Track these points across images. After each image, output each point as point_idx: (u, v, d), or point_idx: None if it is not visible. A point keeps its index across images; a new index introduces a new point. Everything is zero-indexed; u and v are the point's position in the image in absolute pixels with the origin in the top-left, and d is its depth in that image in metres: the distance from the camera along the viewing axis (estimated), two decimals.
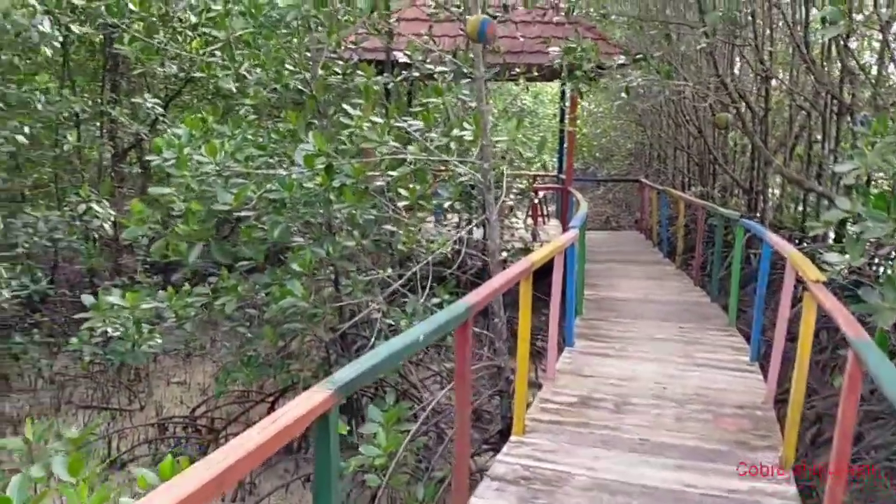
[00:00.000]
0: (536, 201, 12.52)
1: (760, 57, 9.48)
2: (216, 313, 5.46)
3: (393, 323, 5.68)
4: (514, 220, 11.18)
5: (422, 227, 6.00)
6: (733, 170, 14.46)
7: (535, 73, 8.89)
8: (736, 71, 11.80)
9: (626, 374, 5.54)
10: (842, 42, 7.83)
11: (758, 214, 12.64)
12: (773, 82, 11.00)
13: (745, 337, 6.86)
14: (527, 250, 11.08)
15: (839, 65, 9.06)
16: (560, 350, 6.11)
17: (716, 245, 8.24)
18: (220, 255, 5.17)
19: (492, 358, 6.16)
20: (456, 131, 5.93)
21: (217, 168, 4.86)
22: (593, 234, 14.33)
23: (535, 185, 14.10)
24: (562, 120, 14.78)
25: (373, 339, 5.66)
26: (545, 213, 14.63)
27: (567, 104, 12.29)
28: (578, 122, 27.28)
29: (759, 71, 11.08)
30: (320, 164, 4.99)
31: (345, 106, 5.71)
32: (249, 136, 5.51)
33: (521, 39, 10.02)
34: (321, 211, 5.22)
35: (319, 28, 5.65)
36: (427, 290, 5.71)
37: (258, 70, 5.62)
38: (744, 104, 8.72)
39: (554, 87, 23.40)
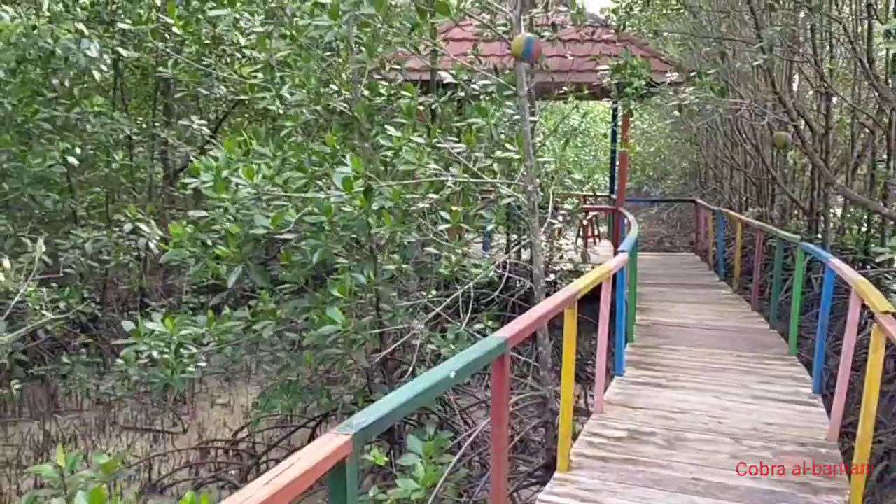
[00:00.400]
0: (586, 222, 12.26)
1: (820, 73, 9.10)
2: (256, 337, 5.39)
3: (436, 348, 5.53)
4: (563, 241, 10.96)
5: (466, 250, 5.85)
6: (792, 190, 13.97)
7: (586, 92, 8.71)
8: (794, 88, 11.39)
9: (679, 406, 5.26)
10: None
11: (819, 236, 12.15)
12: (834, 100, 10.57)
13: (806, 366, 6.51)
14: (577, 272, 10.84)
15: None
16: (609, 379, 5.87)
17: (775, 269, 7.86)
18: (260, 278, 5.10)
19: (536, 388, 5.94)
20: (499, 152, 5.79)
21: (255, 191, 4.80)
22: (646, 256, 13.98)
23: (585, 206, 13.86)
24: (613, 139, 14.49)
25: (413, 366, 5.53)
26: (597, 233, 14.36)
27: (619, 123, 12.03)
28: (631, 140, 26.96)
29: (818, 88, 10.67)
30: (359, 187, 4.88)
31: (387, 127, 5.63)
32: (291, 158, 5.46)
33: (570, 58, 9.85)
34: (361, 235, 5.11)
35: (362, 48, 5.58)
36: (469, 315, 5.55)
37: (300, 91, 5.56)
38: (803, 122, 8.35)
39: (606, 105, 23.08)
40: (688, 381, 5.91)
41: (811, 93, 11.78)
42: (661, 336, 7.43)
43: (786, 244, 8.22)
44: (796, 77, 11.68)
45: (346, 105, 6.01)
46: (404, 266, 5.45)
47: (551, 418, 5.38)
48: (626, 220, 10.63)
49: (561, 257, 10.89)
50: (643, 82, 6.91)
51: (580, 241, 12.31)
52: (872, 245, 9.19)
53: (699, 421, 4.96)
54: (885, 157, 11.28)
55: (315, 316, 5.08)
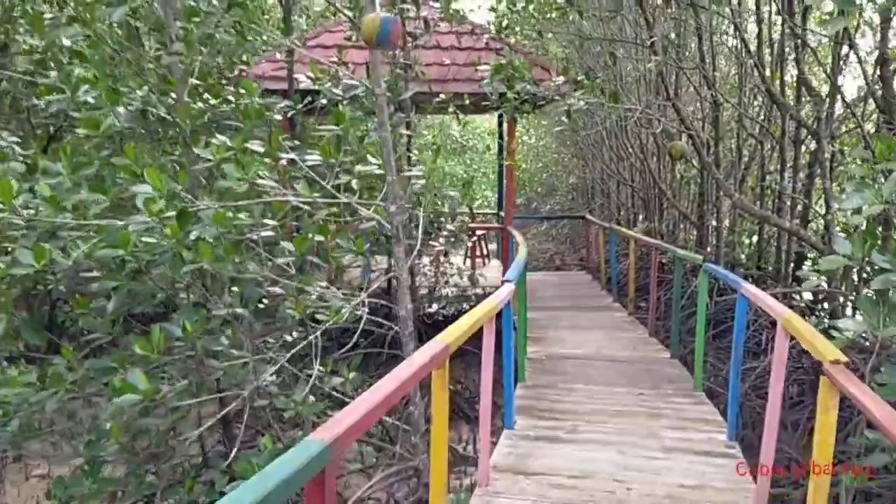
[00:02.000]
0: (472, 243, 11.41)
1: (708, 79, 8.62)
2: (38, 405, 4.12)
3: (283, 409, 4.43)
4: (448, 264, 10.04)
5: (321, 285, 4.77)
6: (682, 203, 13.68)
7: (467, 102, 7.86)
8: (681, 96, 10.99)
9: (581, 468, 4.35)
10: (796, 56, 7.00)
11: (709, 250, 11.80)
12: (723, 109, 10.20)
13: (713, 400, 5.83)
14: (465, 297, 9.95)
15: (795, 87, 8.26)
16: (498, 434, 4.93)
17: (674, 292, 7.20)
18: (31, 334, 3.84)
19: (407, 456, 4.91)
20: (360, 167, 4.76)
21: (21, 217, 3.56)
22: (536, 276, 13.29)
23: (471, 225, 13.04)
24: (500, 154, 13.78)
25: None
26: (486, 253, 13.57)
27: (505, 137, 11.28)
28: (519, 156, 26.54)
29: (707, 97, 10.27)
30: (169, 211, 3.74)
31: (219, 136, 4.50)
32: (88, 174, 4.24)
33: (449, 64, 8.98)
34: (173, 271, 3.94)
35: (176, 40, 4.43)
36: (324, 366, 4.48)
37: (94, 89, 4.34)
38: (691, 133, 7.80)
39: (492, 120, 22.54)
40: (589, 431, 5.03)
41: (697, 104, 11.43)
42: (555, 372, 6.59)
43: (686, 264, 7.59)
44: (682, 88, 11.29)
45: (167, 110, 4.83)
46: (239, 310, 4.32)
47: (425, 494, 4.36)
48: (514, 240, 9.84)
49: (447, 282, 9.98)
50: (526, 85, 6.10)
51: (469, 263, 11.43)
52: (801, 270, 8.77)
53: (605, 489, 4.06)
54: (773, 168, 11.05)
55: (115, 382, 3.86)
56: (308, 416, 4.46)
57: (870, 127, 8.38)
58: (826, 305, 10.48)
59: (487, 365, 4.11)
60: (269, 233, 4.46)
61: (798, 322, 3.51)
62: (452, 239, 9.02)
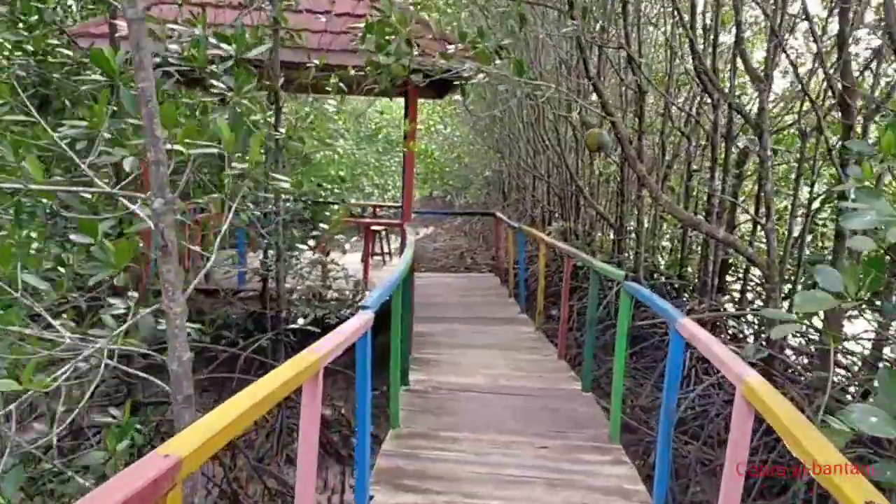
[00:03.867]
0: (362, 239, 9.97)
1: (633, 62, 7.46)
2: None
3: None
4: (333, 266, 8.59)
5: None
6: (599, 202, 12.62)
7: (352, 73, 6.43)
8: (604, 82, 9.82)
9: None
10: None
11: (627, 254, 10.76)
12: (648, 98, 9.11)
13: (628, 434, 4.62)
14: (353, 303, 8.54)
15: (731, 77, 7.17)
16: None
17: (588, 312, 5.96)
18: None
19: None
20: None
21: None
22: (439, 278, 11.97)
23: (364, 221, 11.61)
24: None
25: None
26: (387, 250, 12.19)
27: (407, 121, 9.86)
28: (433, 146, 25.19)
29: (631, 83, 9.14)
30: None
31: None
32: None
33: (327, 30, 7.52)
34: None
35: None
36: None
37: None
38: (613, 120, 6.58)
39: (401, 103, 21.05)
40: None
41: (620, 90, 10.31)
42: (440, 412, 5.24)
43: (602, 279, 6.39)
44: (606, 74, 10.14)
45: None
46: None
47: None
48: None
49: (328, 286, 8.53)
50: (408, 55, 4.74)
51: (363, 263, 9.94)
52: (765, 309, 7.69)
53: None
54: (700, 167, 10.05)
55: None
56: None
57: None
58: (751, 298, 9.58)
59: (308, 441, 2.71)
60: None
61: (771, 398, 2.25)
62: (321, 235, 7.62)
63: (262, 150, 3.42)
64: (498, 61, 5.01)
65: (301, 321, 6.35)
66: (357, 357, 3.50)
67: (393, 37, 4.54)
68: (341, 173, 19.34)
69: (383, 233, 11.86)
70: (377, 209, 14.01)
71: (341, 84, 6.28)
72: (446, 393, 5.68)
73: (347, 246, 12.36)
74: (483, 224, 21.50)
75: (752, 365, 3.66)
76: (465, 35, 5.09)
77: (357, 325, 3.30)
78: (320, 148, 16.14)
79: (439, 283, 11.32)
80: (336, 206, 10.94)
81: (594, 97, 7.26)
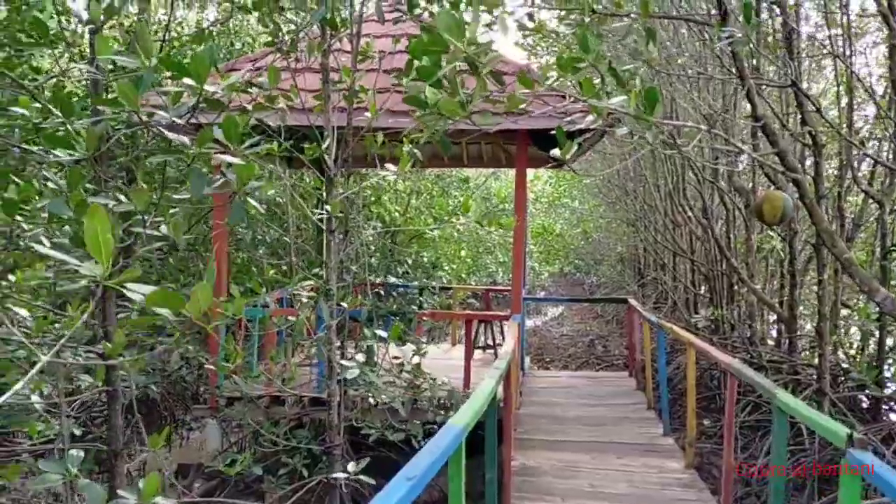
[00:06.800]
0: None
1: (802, 97, 5.40)
2: None
3: None
4: (419, 373, 6.88)
5: None
6: (757, 283, 10.27)
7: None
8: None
9: None
10: None
11: (804, 354, 8.40)
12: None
13: None
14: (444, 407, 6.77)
15: None
16: None
17: (772, 466, 3.85)
18: None
19: None
20: None
21: None
22: (561, 379, 9.95)
23: (456, 312, 9.91)
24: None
25: None
26: (500, 342, 10.42)
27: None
28: (556, 222, 23.35)
29: (797, 135, 7.00)
30: None
31: None
32: None
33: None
34: None
35: None
36: None
37: None
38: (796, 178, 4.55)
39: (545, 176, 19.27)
40: None
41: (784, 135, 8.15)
42: None
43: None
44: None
45: None
46: None
47: None
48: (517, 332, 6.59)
49: (415, 399, 6.78)
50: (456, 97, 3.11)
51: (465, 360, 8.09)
52: None
53: None
54: None
55: None
56: None
57: None
58: None
59: None
60: None
61: None
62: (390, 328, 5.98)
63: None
64: (613, 101, 3.23)
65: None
66: None
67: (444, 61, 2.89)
68: (462, 253, 17.89)
69: (489, 323, 10.13)
70: (489, 294, 12.29)
71: (416, 151, 4.69)
72: None
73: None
74: (617, 306, 19.25)
75: None
76: (561, 60, 3.36)
77: None
78: (434, 227, 14.81)
79: (560, 386, 9.31)
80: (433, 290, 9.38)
81: (739, 151, 5.24)
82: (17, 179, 2.85)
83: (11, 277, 3.06)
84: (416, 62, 3.13)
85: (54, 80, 5.47)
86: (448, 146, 3.52)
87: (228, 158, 2.19)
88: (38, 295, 3.88)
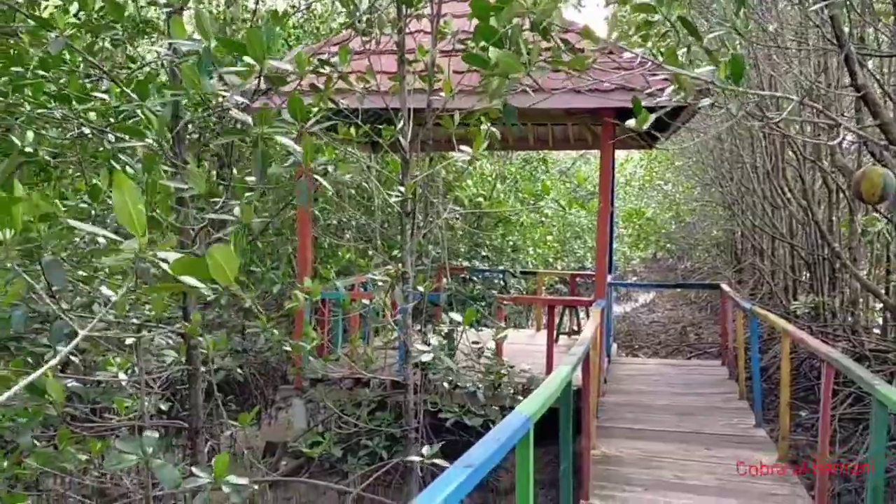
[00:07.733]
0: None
1: None
2: None
3: None
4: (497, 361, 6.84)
5: None
6: (861, 268, 9.67)
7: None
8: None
9: None
10: None
11: None
12: None
13: None
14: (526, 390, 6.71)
15: None
16: None
17: (871, 467, 3.61)
18: None
19: None
20: None
21: None
22: (650, 367, 9.68)
23: (536, 297, 9.77)
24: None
25: None
26: (575, 328, 10.29)
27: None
28: (648, 206, 22.70)
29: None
30: None
31: None
32: None
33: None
34: None
35: None
36: None
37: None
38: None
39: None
40: None
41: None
42: None
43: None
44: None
45: None
46: None
47: None
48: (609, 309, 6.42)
49: (495, 384, 6.73)
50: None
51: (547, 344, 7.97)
52: None
53: None
54: None
55: None
56: None
57: None
58: None
59: None
60: None
61: None
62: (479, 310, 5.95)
63: None
64: (699, 70, 3.05)
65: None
66: None
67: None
68: (549, 237, 17.65)
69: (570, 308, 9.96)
70: (575, 279, 12.06)
71: (494, 131, 4.60)
72: None
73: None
74: (711, 292, 18.59)
75: None
76: (645, 30, 3.23)
77: None
78: (523, 210, 14.66)
79: (648, 373, 9.05)
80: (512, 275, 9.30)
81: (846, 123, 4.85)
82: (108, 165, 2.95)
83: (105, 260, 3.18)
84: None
85: (146, 68, 5.66)
86: (512, 114, 3.41)
87: (286, 141, 2.17)
88: (126, 276, 4.03)
